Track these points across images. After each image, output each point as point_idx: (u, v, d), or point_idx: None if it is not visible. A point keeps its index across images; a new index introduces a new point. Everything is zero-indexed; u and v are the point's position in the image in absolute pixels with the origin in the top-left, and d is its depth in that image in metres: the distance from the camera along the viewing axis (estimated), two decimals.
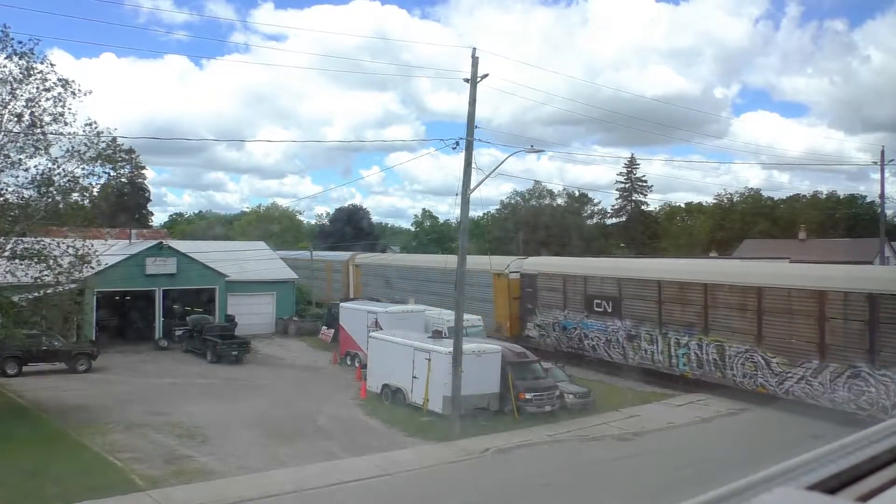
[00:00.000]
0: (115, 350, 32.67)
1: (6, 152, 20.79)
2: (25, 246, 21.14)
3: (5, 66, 20.28)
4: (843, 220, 64.75)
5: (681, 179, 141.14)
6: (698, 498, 1.20)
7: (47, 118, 20.60)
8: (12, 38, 20.10)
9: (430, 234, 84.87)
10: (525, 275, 34.07)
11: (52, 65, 20.78)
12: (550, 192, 79.73)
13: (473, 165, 20.60)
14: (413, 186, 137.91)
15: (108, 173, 23.78)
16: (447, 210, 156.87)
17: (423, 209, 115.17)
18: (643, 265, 33.12)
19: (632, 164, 75.66)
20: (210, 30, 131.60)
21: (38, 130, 20.70)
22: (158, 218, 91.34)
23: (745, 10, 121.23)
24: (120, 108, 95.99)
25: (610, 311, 29.11)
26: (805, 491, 1.24)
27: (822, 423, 19.20)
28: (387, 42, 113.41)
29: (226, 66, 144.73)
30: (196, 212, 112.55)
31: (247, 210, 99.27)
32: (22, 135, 20.65)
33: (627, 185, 76.49)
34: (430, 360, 22.18)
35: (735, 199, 75.61)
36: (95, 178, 22.85)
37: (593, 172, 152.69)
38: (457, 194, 21.01)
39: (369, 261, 50.47)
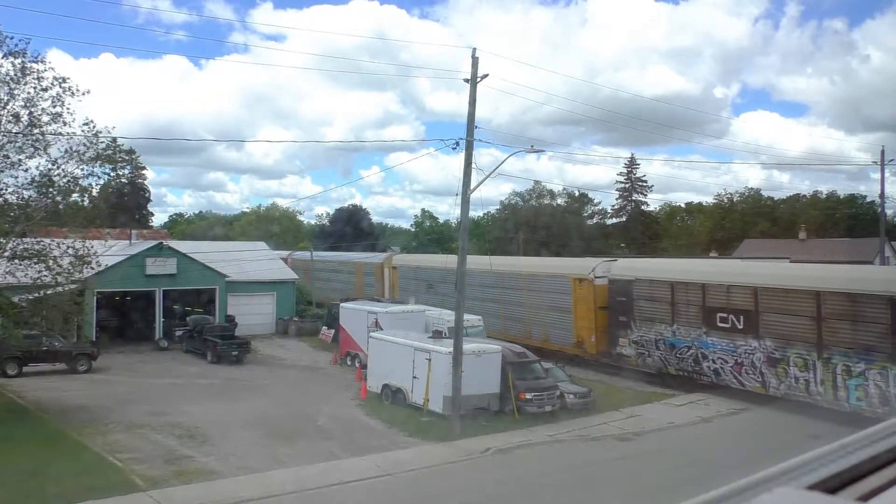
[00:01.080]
0: (115, 350, 32.67)
1: (5, 153, 20.80)
2: (25, 246, 21.14)
3: (1, 66, 20.29)
4: (843, 220, 64.78)
5: (681, 179, 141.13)
6: (698, 498, 1.20)
7: (45, 118, 20.60)
8: (6, 37, 20.11)
9: (430, 235, 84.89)
10: (616, 280, 29.06)
11: (48, 63, 20.78)
12: (550, 193, 79.84)
13: (473, 165, 20.61)
14: (413, 186, 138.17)
15: (108, 174, 23.81)
16: (447, 210, 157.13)
17: (423, 209, 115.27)
18: (788, 271, 27.30)
19: (632, 164, 75.77)
20: (209, 30, 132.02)
21: (37, 131, 20.69)
22: (158, 218, 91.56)
23: (744, 10, 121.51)
24: (119, 108, 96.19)
25: (741, 327, 23.82)
26: (805, 491, 1.24)
27: (822, 422, 19.21)
28: (386, 42, 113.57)
29: (225, 66, 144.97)
30: (196, 212, 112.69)
31: (247, 210, 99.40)
32: (21, 135, 20.65)
33: (627, 185, 76.52)
34: (430, 360, 22.18)
35: (735, 199, 75.64)
36: (95, 178, 22.88)
37: (593, 172, 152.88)
38: (457, 194, 21.02)
39: (409, 262, 45.83)
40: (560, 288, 31.22)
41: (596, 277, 29.82)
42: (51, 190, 21.54)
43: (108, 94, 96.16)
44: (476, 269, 34.71)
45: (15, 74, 20.33)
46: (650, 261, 34.31)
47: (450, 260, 43.81)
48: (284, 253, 56.78)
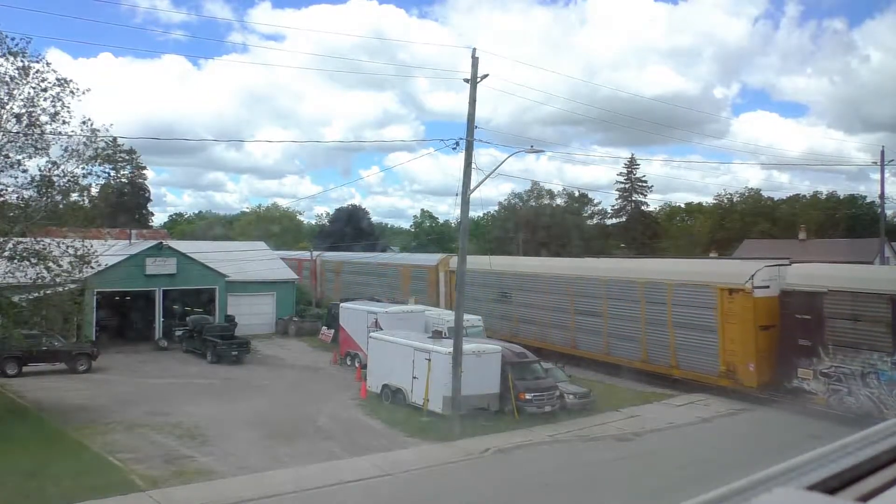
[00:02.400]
0: (115, 350, 32.66)
1: (5, 153, 20.79)
2: (25, 246, 21.13)
3: (3, 66, 20.29)
4: (843, 220, 64.81)
5: (680, 179, 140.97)
6: (698, 498, 1.20)
7: (45, 117, 20.60)
8: (6, 36, 20.11)
9: (430, 235, 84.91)
10: (794, 292, 22.81)
11: (48, 64, 20.78)
12: (550, 193, 79.82)
13: (473, 166, 20.61)
14: (413, 186, 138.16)
15: (108, 173, 23.79)
16: (447, 210, 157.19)
17: (423, 209, 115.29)
18: None
19: (632, 164, 75.75)
20: (208, 30, 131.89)
21: (37, 130, 20.68)
22: (158, 218, 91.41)
23: (744, 10, 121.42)
24: (118, 108, 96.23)
25: None
26: (805, 491, 1.24)
27: (822, 423, 19.21)
28: (385, 42, 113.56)
29: (224, 66, 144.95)
30: (196, 212, 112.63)
31: (247, 210, 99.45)
32: (21, 135, 20.64)
33: (627, 186, 76.52)
34: (430, 360, 22.17)
35: (735, 200, 75.70)
36: (95, 178, 22.87)
37: (593, 172, 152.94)
38: (457, 194, 21.03)
39: (474, 264, 40.49)
40: (698, 300, 25.13)
41: (755, 287, 23.55)
42: (50, 190, 21.54)
43: (107, 94, 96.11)
44: (567, 275, 31.48)
45: (16, 74, 20.34)
46: (841, 267, 25.99)
47: (538, 263, 37.62)
48: (315, 254, 54.38)
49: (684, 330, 25.78)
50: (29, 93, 20.52)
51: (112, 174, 24.56)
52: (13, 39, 20.16)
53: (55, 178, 21.48)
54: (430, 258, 43.26)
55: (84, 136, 21.29)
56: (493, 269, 34.29)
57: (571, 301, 31.26)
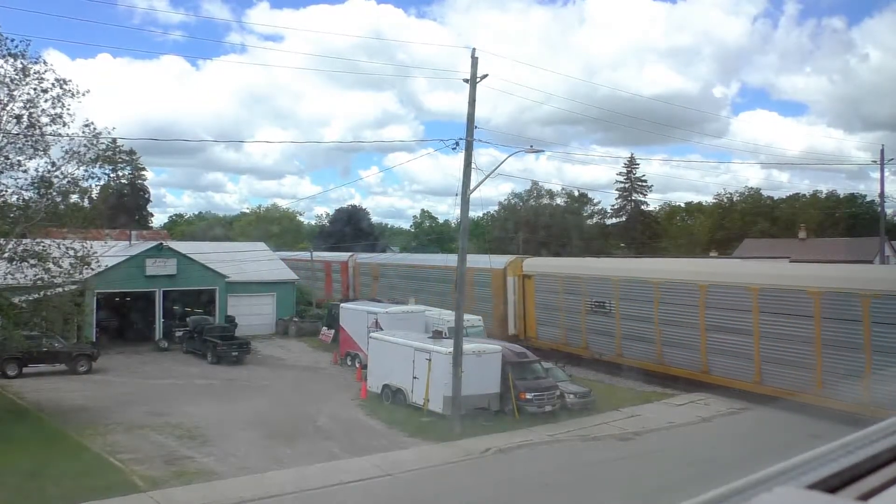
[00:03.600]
0: (115, 351, 32.66)
1: (6, 154, 20.80)
2: (25, 247, 21.14)
3: (2, 68, 20.29)
4: (843, 220, 64.81)
5: (680, 179, 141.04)
6: (698, 498, 1.20)
7: (45, 119, 20.61)
8: (5, 38, 20.12)
9: (430, 235, 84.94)
10: None
11: (46, 63, 20.77)
12: (549, 192, 79.85)
13: (473, 166, 20.61)
14: (412, 187, 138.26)
15: (108, 174, 23.82)
16: (447, 210, 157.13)
17: (423, 210, 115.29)
18: None
19: (631, 163, 75.78)
20: (206, 30, 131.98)
21: (37, 132, 20.69)
22: (158, 219, 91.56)
23: (743, 9, 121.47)
24: (117, 108, 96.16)
25: None
26: (805, 490, 1.24)
27: (822, 422, 19.19)
28: (383, 42, 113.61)
29: (222, 66, 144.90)
30: (196, 213, 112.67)
31: (246, 211, 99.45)
32: (21, 136, 20.65)
33: (627, 185, 76.52)
34: (430, 360, 22.18)
35: (735, 199, 75.70)
36: (95, 179, 22.88)
37: (592, 172, 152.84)
38: (456, 194, 21.02)
39: (557, 269, 32.72)
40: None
41: None
42: (50, 191, 21.54)
43: (106, 95, 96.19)
44: (694, 281, 25.01)
45: (15, 75, 20.35)
46: None
47: (642, 268, 29.61)
48: (344, 255, 50.95)
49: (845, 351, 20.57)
50: (29, 94, 20.55)
51: (112, 175, 24.60)
52: (12, 41, 20.20)
53: (55, 180, 21.49)
54: (496, 260, 36.42)
55: (85, 138, 21.32)
56: (585, 273, 29.99)
57: (701, 313, 24.99)
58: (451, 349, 20.86)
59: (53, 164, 21.39)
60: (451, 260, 38.77)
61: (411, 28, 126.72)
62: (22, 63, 20.33)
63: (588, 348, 28.32)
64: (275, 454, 18.18)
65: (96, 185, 23.57)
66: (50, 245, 21.45)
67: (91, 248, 22.56)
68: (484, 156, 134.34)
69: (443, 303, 34.36)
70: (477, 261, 35.78)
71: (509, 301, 34.19)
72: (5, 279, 21.21)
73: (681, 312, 25.89)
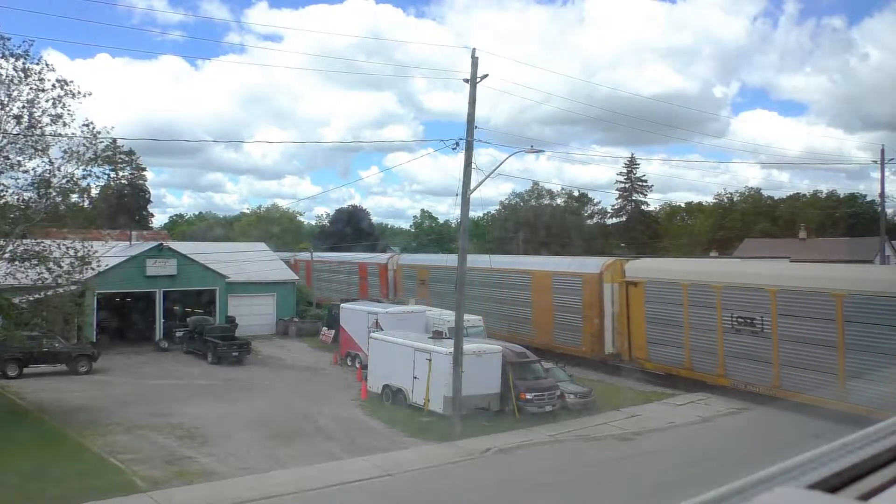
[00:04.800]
0: (115, 351, 32.66)
1: (6, 154, 20.81)
2: (26, 248, 21.15)
3: (2, 67, 20.30)
4: (843, 219, 64.85)
5: (680, 179, 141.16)
6: (698, 498, 1.20)
7: (46, 119, 20.62)
8: (7, 39, 20.13)
9: (430, 235, 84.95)
10: None
11: (49, 66, 20.78)
12: (550, 193, 79.87)
13: (473, 166, 20.60)
14: (412, 187, 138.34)
15: (108, 174, 23.82)
16: (447, 210, 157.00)
17: (423, 210, 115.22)
18: None
19: (632, 163, 75.79)
20: (205, 30, 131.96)
21: (37, 132, 20.70)
22: (158, 219, 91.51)
23: (742, 8, 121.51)
24: (116, 108, 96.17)
25: None
26: (806, 490, 1.24)
27: (823, 422, 19.18)
28: (383, 42, 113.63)
29: (222, 66, 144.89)
30: (196, 213, 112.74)
31: (247, 211, 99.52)
32: (21, 136, 20.66)
33: (627, 185, 76.53)
34: (430, 360, 22.18)
35: (735, 199, 75.75)
36: (94, 179, 22.90)
37: (592, 172, 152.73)
38: (457, 194, 21.01)
39: (690, 275, 25.97)
40: None
41: None
42: (50, 191, 21.55)
43: (105, 95, 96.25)
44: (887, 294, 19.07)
45: (16, 76, 20.35)
46: None
47: (812, 275, 23.07)
48: (383, 256, 47.61)
49: None
50: (29, 94, 20.55)
51: (112, 175, 24.58)
52: (10, 40, 20.21)
53: (54, 180, 21.50)
54: (587, 263, 30.79)
55: (85, 137, 21.33)
56: (723, 280, 24.22)
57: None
58: (452, 349, 20.86)
59: (52, 163, 21.42)
60: (528, 263, 35.04)
61: (410, 28, 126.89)
62: (23, 63, 20.36)
63: (727, 376, 23.23)
64: (275, 454, 18.18)
65: (96, 185, 23.58)
66: (50, 245, 21.46)
67: (91, 248, 22.57)
68: (484, 156, 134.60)
69: (517, 319, 30.15)
70: (562, 264, 31.96)
71: (606, 313, 28.46)
72: (5, 279, 21.22)
73: (881, 335, 19.36)
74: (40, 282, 21.62)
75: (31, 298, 22.37)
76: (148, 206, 78.69)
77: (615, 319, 28.33)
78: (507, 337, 30.04)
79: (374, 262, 47.70)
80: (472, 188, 20.75)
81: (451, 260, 35.38)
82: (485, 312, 30.45)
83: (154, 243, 40.18)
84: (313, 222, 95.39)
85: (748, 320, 23.17)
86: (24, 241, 21.29)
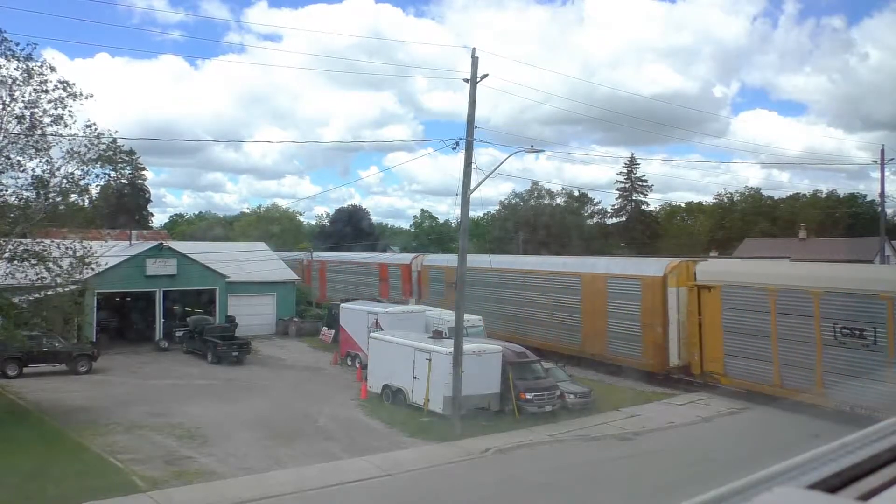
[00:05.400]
0: (115, 351, 32.66)
1: (6, 154, 20.82)
2: (25, 247, 21.15)
3: (5, 68, 20.32)
4: (843, 219, 64.86)
5: (680, 179, 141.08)
6: (698, 498, 1.20)
7: (47, 120, 20.63)
8: (10, 41, 20.15)
9: (430, 235, 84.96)
10: None
11: (52, 68, 20.79)
12: (549, 192, 79.85)
13: (473, 165, 20.60)
14: (412, 186, 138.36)
15: (108, 174, 23.82)
16: (447, 210, 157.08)
17: (422, 210, 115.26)
18: None
19: (632, 163, 75.78)
20: (205, 30, 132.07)
21: (38, 132, 20.71)
22: (158, 219, 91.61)
23: (742, 8, 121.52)
24: (115, 108, 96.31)
25: None
26: (806, 490, 1.24)
27: (822, 422, 19.18)
28: (382, 41, 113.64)
29: (221, 66, 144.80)
30: (196, 213, 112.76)
31: (246, 211, 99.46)
32: (22, 136, 20.67)
33: (627, 185, 76.53)
34: (430, 360, 22.18)
35: (735, 199, 75.76)
36: (95, 178, 22.90)
37: (592, 172, 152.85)
38: (457, 194, 21.01)
39: (778, 279, 23.21)
40: None
41: None
42: (50, 191, 21.56)
43: (105, 95, 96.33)
44: None
45: (20, 77, 20.36)
46: None
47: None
48: (406, 257, 45.14)
49: None
50: (31, 95, 20.56)
51: (112, 175, 24.53)
52: (17, 44, 20.23)
53: (54, 180, 21.51)
54: (648, 265, 28.00)
55: (86, 138, 21.35)
56: (822, 285, 21.12)
57: None
58: (451, 349, 20.85)
59: (53, 163, 21.42)
60: (588, 265, 30.95)
61: (410, 27, 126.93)
62: (26, 64, 20.37)
63: (826, 395, 20.61)
64: (275, 454, 18.18)
65: (96, 185, 23.59)
66: (50, 245, 21.47)
67: (91, 248, 22.58)
68: (484, 156, 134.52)
69: (563, 326, 27.15)
70: (615, 265, 29.44)
71: (671, 320, 25.79)
72: (5, 279, 21.22)
73: None
74: (40, 281, 21.62)
75: (30, 298, 22.37)
76: (148, 206, 78.76)
77: (683, 328, 25.73)
78: (552, 347, 29.02)
79: (397, 262, 45.12)
80: (472, 188, 20.76)
81: (488, 261, 33.23)
82: (524, 319, 29.06)
83: (154, 243, 40.18)
84: (313, 222, 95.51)
85: (856, 332, 20.37)
86: (24, 241, 21.29)
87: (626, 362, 27.27)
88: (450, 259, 34.96)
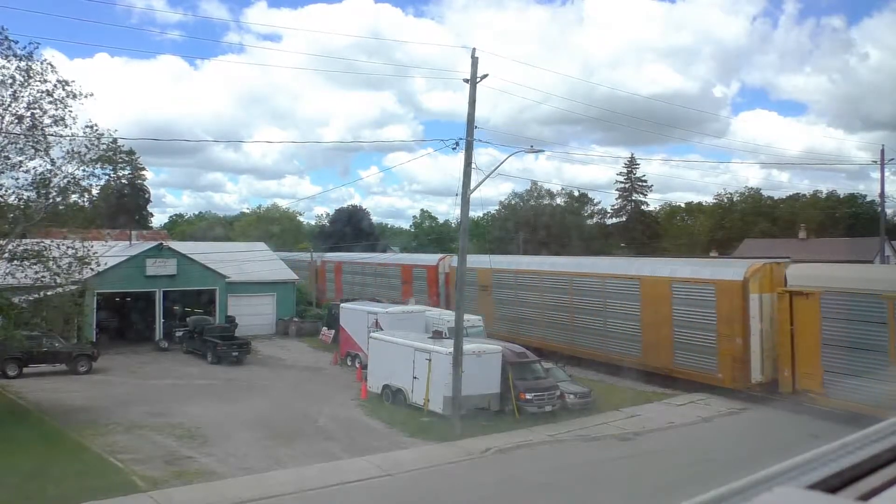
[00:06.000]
0: (115, 351, 32.67)
1: (6, 154, 20.82)
2: (25, 247, 21.15)
3: (5, 68, 20.31)
4: (843, 220, 64.84)
5: (680, 179, 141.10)
6: (698, 498, 1.20)
7: (48, 120, 20.64)
8: (12, 41, 20.16)
9: (430, 235, 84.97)
10: None
11: (52, 67, 20.78)
12: (549, 193, 79.86)
13: (473, 165, 20.60)
14: (412, 186, 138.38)
15: (108, 174, 23.83)
16: (447, 210, 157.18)
17: (422, 210, 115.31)
18: None
19: (631, 163, 75.78)
20: (204, 30, 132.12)
21: (38, 132, 20.72)
22: (158, 219, 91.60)
23: (742, 8, 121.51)
24: (115, 108, 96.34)
25: None
26: (806, 490, 1.24)
27: (822, 422, 19.19)
28: (382, 41, 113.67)
29: (221, 66, 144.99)
30: (196, 213, 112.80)
31: (246, 211, 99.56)
32: (22, 136, 20.67)
33: (627, 185, 76.53)
34: (430, 360, 22.18)
35: (735, 199, 75.76)
36: (95, 179, 22.92)
37: (592, 172, 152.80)
38: (456, 194, 21.01)
39: (873, 281, 21.34)
40: None
41: None
42: (50, 191, 21.56)
43: (104, 95, 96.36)
44: None
45: (21, 77, 20.36)
46: None
47: None
48: (432, 258, 41.61)
49: None
50: (32, 95, 20.56)
51: (112, 175, 24.56)
52: (16, 42, 20.23)
53: (55, 180, 21.52)
54: (724, 269, 25.28)
55: (87, 138, 21.35)
56: None
57: None
58: (451, 349, 20.86)
59: (53, 162, 21.43)
60: (637, 267, 28.42)
61: (409, 27, 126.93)
62: (27, 64, 20.37)
63: None
64: (275, 454, 18.18)
65: (96, 185, 23.60)
66: (49, 245, 21.47)
67: (91, 248, 22.59)
68: (484, 156, 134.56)
69: (620, 336, 25.24)
70: (682, 268, 26.40)
71: (752, 331, 23.20)
72: (5, 279, 21.23)
73: None
74: (40, 281, 21.62)
75: (30, 298, 22.37)
76: (148, 206, 78.72)
77: (768, 339, 23.05)
78: (603, 357, 27.13)
79: (422, 264, 41.48)
80: (472, 188, 20.75)
81: (531, 263, 30.37)
82: (571, 327, 27.11)
83: (154, 243, 40.17)
84: (313, 222, 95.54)
85: None
86: (24, 241, 21.29)
87: (697, 377, 24.80)
88: (484, 260, 32.76)
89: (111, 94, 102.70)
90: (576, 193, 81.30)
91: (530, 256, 33.50)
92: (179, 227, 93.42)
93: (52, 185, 21.50)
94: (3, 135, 20.54)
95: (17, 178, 21.31)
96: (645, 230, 74.63)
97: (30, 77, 20.42)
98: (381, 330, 27.23)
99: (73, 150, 21.47)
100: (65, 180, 21.71)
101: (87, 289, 28.29)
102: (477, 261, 34.23)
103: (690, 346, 25.02)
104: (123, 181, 68.01)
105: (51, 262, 21.18)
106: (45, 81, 20.50)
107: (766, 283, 23.41)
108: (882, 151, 39.20)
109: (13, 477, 15.83)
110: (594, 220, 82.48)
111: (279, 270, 42.83)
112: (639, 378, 27.13)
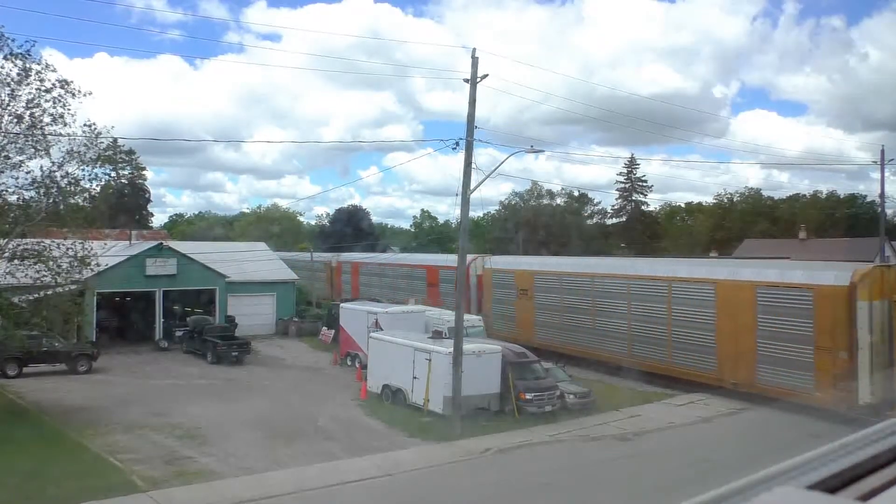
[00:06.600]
0: (115, 351, 32.66)
1: (6, 153, 20.81)
2: (25, 247, 21.15)
3: (3, 67, 20.31)
4: (843, 220, 64.86)
5: (680, 179, 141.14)
6: (698, 498, 1.20)
7: (47, 119, 20.63)
8: (10, 39, 20.14)
9: (430, 235, 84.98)
10: None
11: (49, 66, 20.78)
12: (549, 193, 79.87)
13: (473, 165, 20.60)
14: (412, 186, 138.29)
15: (108, 174, 23.83)
16: (447, 210, 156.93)
17: (422, 210, 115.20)
18: None
19: (631, 163, 75.78)
20: (204, 29, 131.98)
21: (38, 132, 20.71)
22: (158, 219, 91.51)
23: (742, 8, 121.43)
24: (115, 108, 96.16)
25: None
26: (805, 490, 1.24)
27: (822, 422, 19.19)
28: (381, 41, 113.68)
29: (221, 66, 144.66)
30: (196, 213, 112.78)
31: (246, 211, 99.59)
32: (22, 136, 20.67)
33: (627, 185, 76.53)
34: (430, 360, 22.18)
35: (735, 199, 75.79)
36: (96, 179, 22.92)
37: (592, 172, 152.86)
38: (456, 194, 21.01)
39: None
40: None
41: None
42: (51, 190, 21.56)
43: (104, 94, 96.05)
44: None
45: (18, 75, 20.36)
46: None
47: None
48: (461, 258, 37.49)
49: None
50: (31, 94, 20.55)
51: (112, 175, 24.57)
52: (14, 41, 20.22)
53: (56, 179, 21.51)
54: (821, 270, 22.72)
55: (86, 137, 21.35)
56: None
57: None
58: (451, 349, 20.86)
59: (53, 162, 21.43)
60: (712, 270, 25.87)
61: (409, 27, 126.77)
62: (25, 63, 20.36)
63: None
64: (275, 454, 18.18)
65: (97, 185, 23.60)
66: (49, 245, 21.47)
67: (91, 248, 22.58)
68: (484, 155, 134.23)
69: (689, 347, 23.47)
70: (770, 271, 23.61)
71: (861, 345, 20.24)
72: (5, 279, 21.22)
73: None
74: (40, 281, 21.62)
75: (30, 298, 22.37)
76: (148, 206, 78.68)
77: (876, 354, 20.10)
78: (672, 371, 25.03)
79: (450, 265, 34.33)
80: (472, 188, 20.76)
81: (579, 265, 27.37)
82: (628, 337, 25.07)
83: (154, 243, 40.14)
84: (313, 222, 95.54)
85: None
86: (24, 241, 21.29)
87: (788, 395, 21.53)
88: (522, 262, 29.86)
89: (111, 94, 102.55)
90: (576, 193, 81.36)
91: (576, 258, 30.41)
92: (179, 226, 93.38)
93: (52, 185, 21.48)
94: (3, 134, 20.53)
95: (17, 178, 21.33)
96: (645, 230, 74.63)
97: (28, 75, 20.42)
98: (381, 330, 27.24)
99: (72, 150, 21.46)
100: (65, 180, 21.70)
101: (87, 288, 28.29)
102: (514, 262, 31.71)
103: (779, 360, 22.16)
104: (123, 181, 68.03)
105: (51, 262, 21.18)
106: (44, 80, 20.50)
107: (876, 289, 20.58)
108: (882, 152, 39.23)
109: (13, 477, 15.83)
110: (594, 220, 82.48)
111: (279, 270, 42.83)
112: (639, 378, 27.14)
